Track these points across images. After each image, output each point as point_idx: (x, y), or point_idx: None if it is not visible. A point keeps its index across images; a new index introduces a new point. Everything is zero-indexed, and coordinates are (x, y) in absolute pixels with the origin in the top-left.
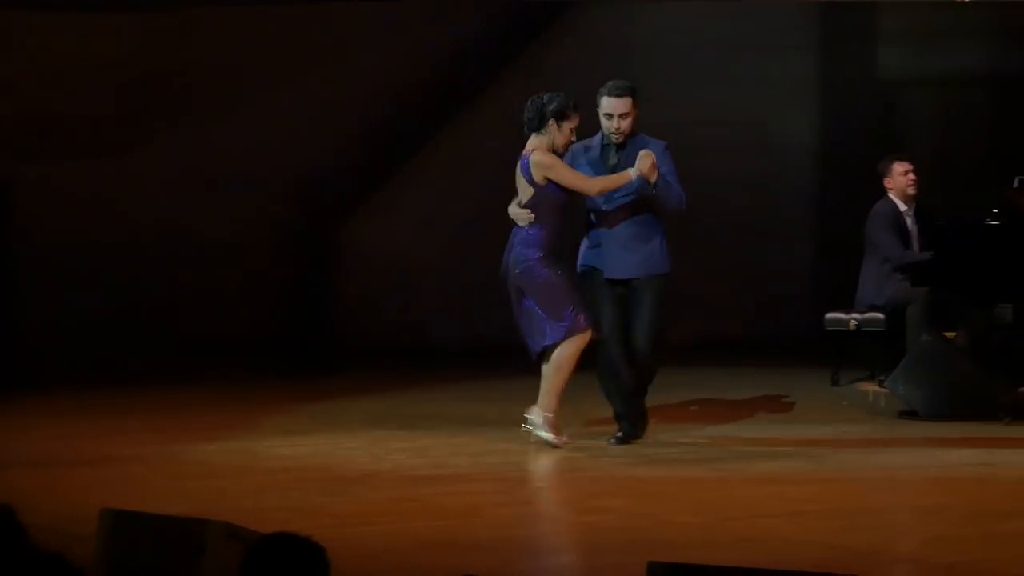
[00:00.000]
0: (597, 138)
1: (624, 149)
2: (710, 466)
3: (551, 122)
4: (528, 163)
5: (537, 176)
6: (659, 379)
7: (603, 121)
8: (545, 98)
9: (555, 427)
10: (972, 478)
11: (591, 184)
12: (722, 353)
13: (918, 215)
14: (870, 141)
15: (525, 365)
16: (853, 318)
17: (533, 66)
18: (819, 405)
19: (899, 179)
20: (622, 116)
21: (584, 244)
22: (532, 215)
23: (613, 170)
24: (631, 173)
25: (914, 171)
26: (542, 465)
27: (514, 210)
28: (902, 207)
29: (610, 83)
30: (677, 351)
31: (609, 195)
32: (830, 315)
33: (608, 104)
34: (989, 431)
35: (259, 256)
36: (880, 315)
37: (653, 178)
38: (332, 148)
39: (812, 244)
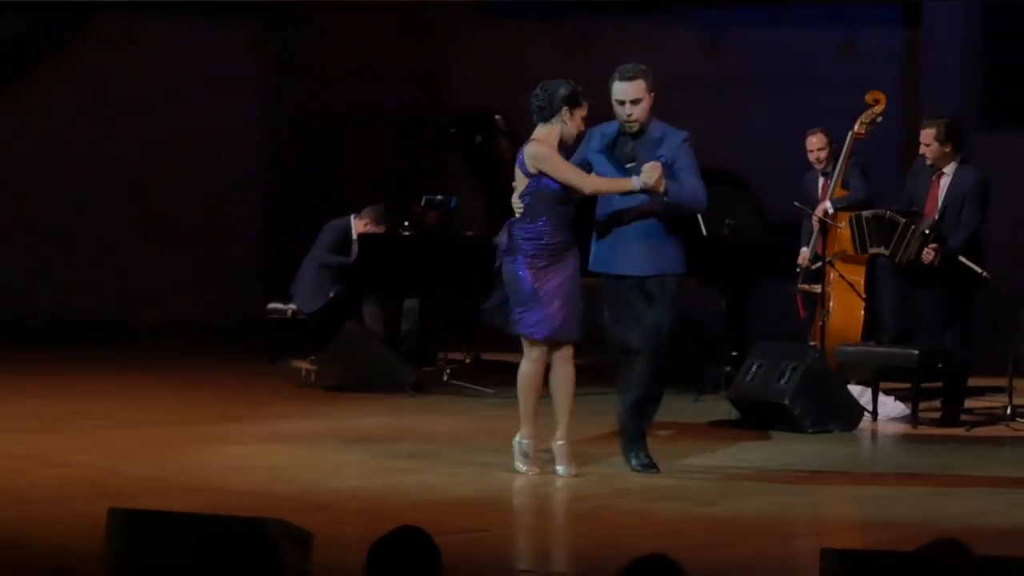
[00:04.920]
0: (615, 124)
1: (640, 137)
2: (163, 429)
3: (564, 109)
4: (524, 153)
5: (531, 167)
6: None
7: (616, 108)
8: (554, 85)
9: (524, 455)
10: (383, 437)
11: (585, 182)
12: (183, 338)
13: None
14: (309, 164)
15: None
16: (290, 308)
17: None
18: (262, 380)
19: None
20: (634, 102)
21: (593, 240)
22: (522, 207)
23: (629, 160)
24: (632, 182)
25: None
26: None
27: (513, 200)
28: None
29: (621, 67)
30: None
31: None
32: (271, 305)
33: (619, 89)
34: (396, 402)
35: None
36: (306, 310)
37: (660, 189)
38: None
39: (259, 245)
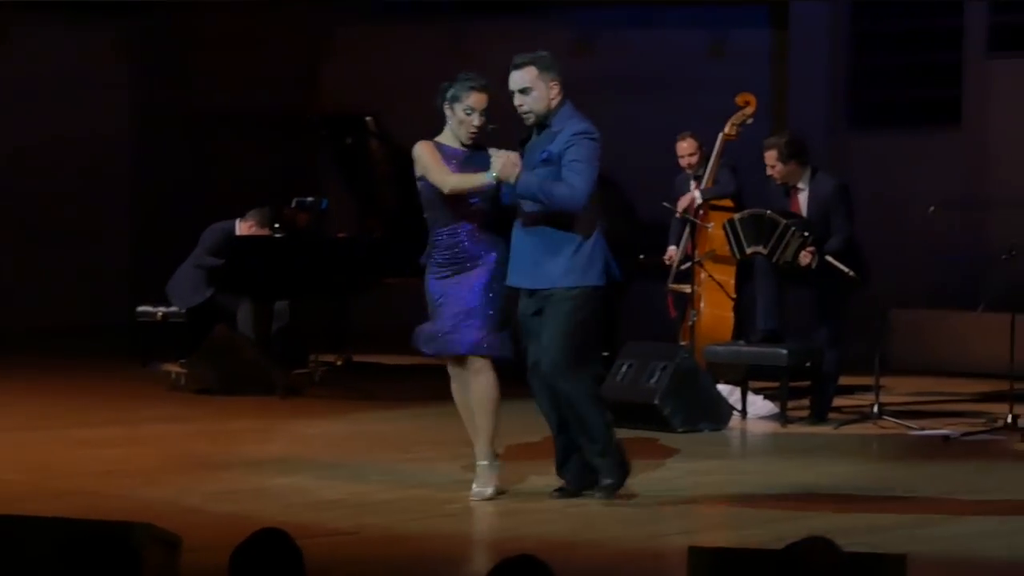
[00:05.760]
0: None
1: (545, 130)
2: (32, 433)
3: (445, 107)
4: None
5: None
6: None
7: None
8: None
9: (483, 476)
10: (253, 440)
11: (444, 180)
12: (52, 341)
13: None
14: (178, 166)
15: None
16: (160, 310)
17: None
18: (133, 383)
19: None
20: (523, 91)
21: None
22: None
23: (528, 152)
24: (483, 176)
25: None
26: None
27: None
28: None
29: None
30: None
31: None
32: (141, 308)
33: (510, 79)
34: (267, 405)
35: None
36: (182, 309)
37: (512, 178)
38: None
39: (128, 247)
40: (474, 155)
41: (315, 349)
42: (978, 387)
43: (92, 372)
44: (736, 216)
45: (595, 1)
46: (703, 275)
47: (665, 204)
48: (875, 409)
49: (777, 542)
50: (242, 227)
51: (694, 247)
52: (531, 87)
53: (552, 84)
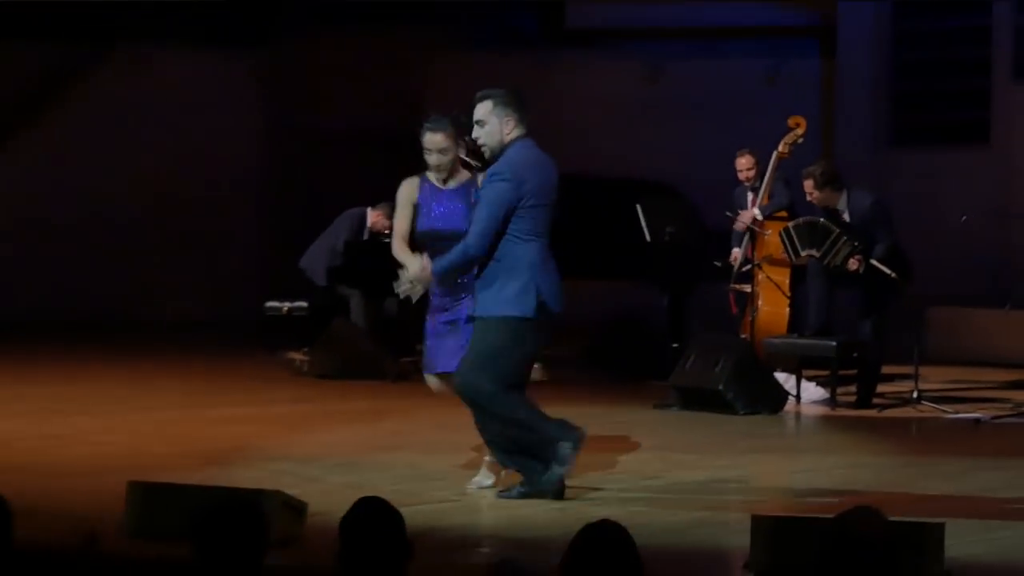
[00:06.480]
0: None
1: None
2: (177, 412)
3: None
4: None
5: None
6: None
7: None
8: None
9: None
10: (368, 420)
11: (394, 236)
12: (192, 332)
13: None
14: (301, 179)
15: None
16: (286, 305)
17: None
18: (262, 370)
19: None
20: (479, 123)
21: None
22: None
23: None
24: (410, 263)
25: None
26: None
27: None
28: None
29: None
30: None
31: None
32: (269, 303)
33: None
34: (379, 389)
35: None
36: (304, 303)
37: (426, 284)
38: None
39: (257, 250)
40: (460, 188)
41: (420, 339)
42: (1005, 376)
43: (227, 360)
44: (791, 224)
45: (664, 34)
46: (761, 276)
47: (728, 213)
48: (914, 395)
49: (828, 511)
50: (372, 215)
51: (753, 252)
52: (485, 120)
53: (507, 120)
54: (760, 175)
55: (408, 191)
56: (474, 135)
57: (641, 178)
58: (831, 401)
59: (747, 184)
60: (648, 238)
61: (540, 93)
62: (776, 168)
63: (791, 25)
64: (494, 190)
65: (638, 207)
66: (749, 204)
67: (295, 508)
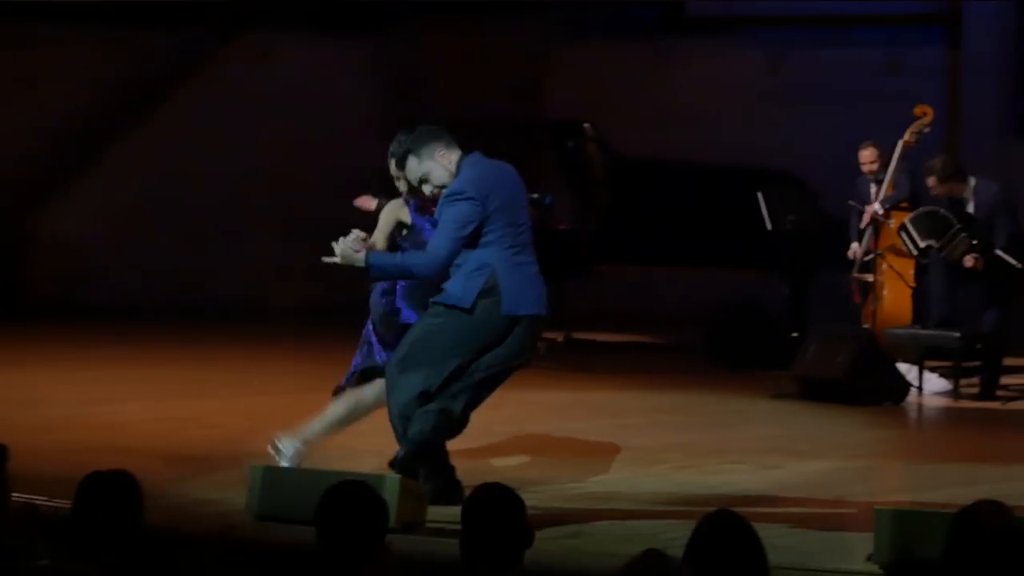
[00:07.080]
0: None
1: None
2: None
3: None
4: None
5: None
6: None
7: None
8: None
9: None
10: (485, 407)
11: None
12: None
13: None
14: None
15: None
16: None
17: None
18: None
19: None
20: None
21: None
22: None
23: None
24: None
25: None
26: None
27: None
28: None
29: None
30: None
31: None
32: None
33: None
34: None
35: None
36: None
37: (358, 262)
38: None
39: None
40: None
41: None
42: None
43: (343, 345)
44: (907, 218)
45: (785, 22)
46: (884, 266)
47: (851, 202)
48: None
49: (952, 505)
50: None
51: (877, 242)
52: (424, 174)
53: (439, 155)
54: (884, 166)
55: (393, 213)
56: (428, 193)
57: (762, 167)
58: (954, 392)
59: (870, 176)
60: (769, 227)
61: (660, 82)
62: (903, 157)
63: (915, 13)
64: (452, 211)
65: (759, 195)
66: (872, 195)
67: (417, 494)
